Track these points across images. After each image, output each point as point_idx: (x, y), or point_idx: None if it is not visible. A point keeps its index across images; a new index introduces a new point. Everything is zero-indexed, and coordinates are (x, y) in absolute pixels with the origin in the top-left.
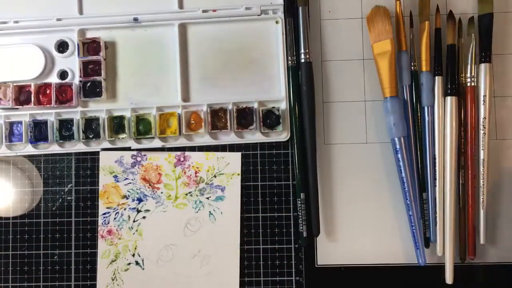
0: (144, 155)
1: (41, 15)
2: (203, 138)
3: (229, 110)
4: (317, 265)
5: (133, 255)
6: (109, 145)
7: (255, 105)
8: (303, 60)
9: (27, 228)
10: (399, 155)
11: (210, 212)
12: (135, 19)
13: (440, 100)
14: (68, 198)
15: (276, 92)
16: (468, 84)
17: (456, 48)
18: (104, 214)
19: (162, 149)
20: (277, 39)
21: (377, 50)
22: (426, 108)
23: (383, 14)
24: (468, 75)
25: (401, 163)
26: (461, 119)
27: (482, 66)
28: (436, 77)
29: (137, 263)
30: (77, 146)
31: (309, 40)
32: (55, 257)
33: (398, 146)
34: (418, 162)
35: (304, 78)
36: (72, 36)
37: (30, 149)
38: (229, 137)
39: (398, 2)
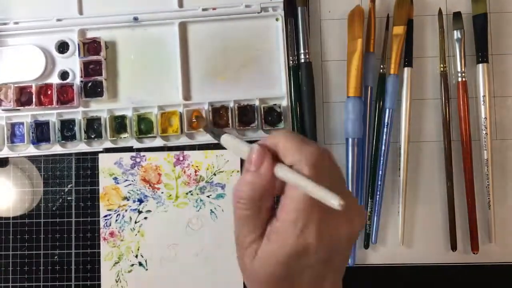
0: (143, 155)
1: (41, 16)
2: (205, 136)
3: (231, 108)
4: None
5: (136, 256)
6: (111, 145)
7: (256, 103)
8: (302, 60)
9: (27, 228)
10: (350, 156)
11: (211, 210)
12: (135, 19)
13: (409, 95)
14: (68, 198)
15: (277, 89)
16: (459, 79)
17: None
18: (106, 216)
19: (161, 149)
20: (277, 36)
21: (349, 48)
22: (388, 110)
23: (359, 14)
24: (459, 70)
25: (349, 164)
26: (448, 116)
27: (480, 66)
28: (405, 68)
29: (140, 264)
30: (79, 146)
31: (309, 40)
32: (55, 257)
33: (350, 147)
34: (371, 163)
35: (304, 78)
36: (72, 36)
37: (32, 150)
38: None
39: (372, 3)
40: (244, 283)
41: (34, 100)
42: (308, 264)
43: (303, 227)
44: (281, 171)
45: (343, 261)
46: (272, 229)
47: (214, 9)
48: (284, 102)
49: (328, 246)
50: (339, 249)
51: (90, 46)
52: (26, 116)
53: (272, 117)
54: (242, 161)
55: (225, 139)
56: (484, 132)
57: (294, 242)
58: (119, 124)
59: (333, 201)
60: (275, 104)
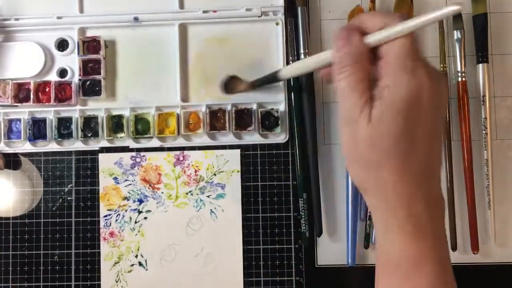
0: (143, 155)
1: (42, 13)
2: (201, 138)
3: (228, 111)
4: (317, 265)
5: (136, 256)
6: (107, 144)
7: (254, 107)
8: None
9: (27, 228)
10: None
11: (211, 210)
12: (136, 19)
13: None
14: (68, 198)
15: (275, 93)
16: (459, 79)
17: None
18: (106, 216)
19: (161, 149)
20: (277, 40)
21: None
22: None
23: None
24: (459, 70)
25: None
26: (448, 116)
27: (480, 66)
28: None
29: (140, 264)
30: (76, 145)
31: (308, 40)
32: (55, 257)
33: None
34: None
35: (304, 79)
36: (72, 34)
37: (28, 147)
38: (227, 138)
39: (372, 3)
40: (243, 281)
41: (32, 97)
42: (423, 111)
43: (412, 69)
44: (373, 36)
45: (440, 121)
46: (380, 87)
47: (214, 11)
48: (282, 107)
49: (436, 87)
50: (442, 97)
51: (90, 45)
52: (24, 112)
53: (269, 121)
54: (242, 161)
55: (286, 70)
56: (484, 132)
57: (408, 83)
58: (116, 124)
59: (452, 7)
60: (272, 109)
